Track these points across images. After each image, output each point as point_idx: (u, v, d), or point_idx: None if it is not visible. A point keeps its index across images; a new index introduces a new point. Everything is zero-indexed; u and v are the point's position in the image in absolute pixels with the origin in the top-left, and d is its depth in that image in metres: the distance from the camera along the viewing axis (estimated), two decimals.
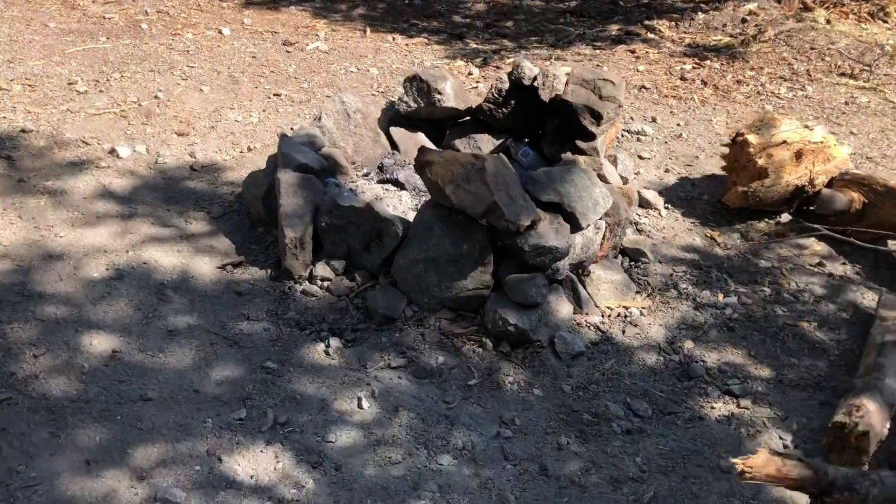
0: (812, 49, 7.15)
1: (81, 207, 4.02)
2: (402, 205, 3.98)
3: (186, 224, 3.97)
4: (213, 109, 5.22)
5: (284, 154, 3.79)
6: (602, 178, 3.76)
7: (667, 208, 4.39)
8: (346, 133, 4.31)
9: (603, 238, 3.58)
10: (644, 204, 4.29)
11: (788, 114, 5.92)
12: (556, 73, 4.25)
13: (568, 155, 3.84)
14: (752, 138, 4.20)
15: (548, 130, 4.32)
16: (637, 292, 3.67)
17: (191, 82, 5.59)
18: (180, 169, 4.50)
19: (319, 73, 5.94)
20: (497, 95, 4.33)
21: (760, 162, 4.12)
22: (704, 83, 6.36)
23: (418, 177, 4.11)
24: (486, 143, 4.41)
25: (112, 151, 4.54)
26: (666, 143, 5.20)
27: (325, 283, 3.58)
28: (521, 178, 3.56)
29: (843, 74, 6.69)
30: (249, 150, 4.78)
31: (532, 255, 3.27)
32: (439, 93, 4.32)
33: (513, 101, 4.31)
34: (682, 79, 6.45)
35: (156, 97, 5.30)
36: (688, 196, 4.53)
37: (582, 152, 3.90)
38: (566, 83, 4.01)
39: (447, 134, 4.53)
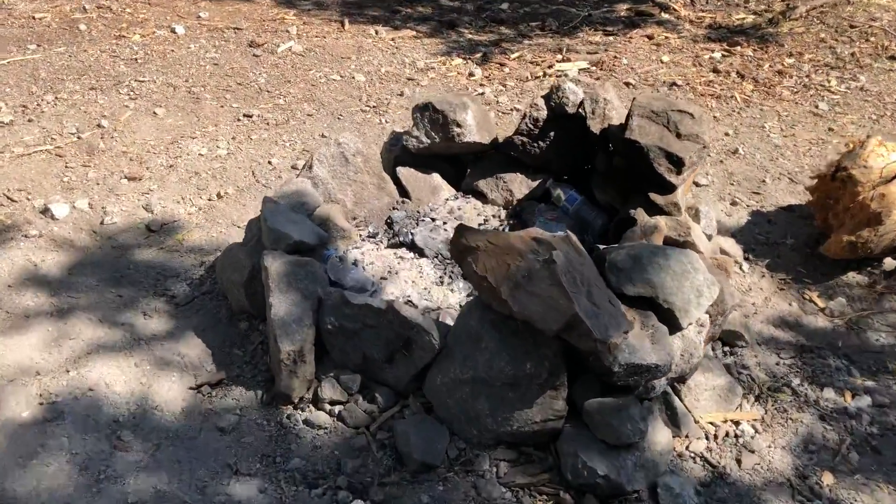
0: (851, 27, 6.29)
1: (5, 302, 3.05)
2: (423, 279, 3.09)
3: (145, 319, 3.03)
4: (170, 140, 4.24)
5: (272, 230, 2.85)
6: (690, 245, 2.89)
7: (747, 259, 3.53)
8: (344, 182, 3.38)
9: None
10: None
11: (846, 111, 5.08)
12: (608, 96, 3.36)
13: (642, 215, 2.95)
14: (857, 174, 3.34)
15: (599, 169, 3.43)
16: (743, 395, 2.82)
17: (141, 103, 4.59)
18: (133, 231, 3.54)
19: (296, 84, 4.96)
20: (532, 126, 3.43)
21: (873, 206, 3.26)
22: (741, 76, 5.48)
23: (439, 238, 3.23)
24: (518, 184, 3.52)
25: (45, 211, 3.57)
26: (721, 161, 4.32)
27: (336, 409, 2.67)
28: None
29: (893, 58, 5.84)
30: (220, 196, 3.83)
31: (623, 377, 2.39)
32: (458, 125, 3.42)
33: (552, 133, 3.42)
34: (715, 71, 5.56)
35: (99, 126, 4.31)
36: (768, 240, 3.66)
37: (658, 209, 3.02)
38: (629, 115, 3.11)
39: (468, 173, 3.62)
